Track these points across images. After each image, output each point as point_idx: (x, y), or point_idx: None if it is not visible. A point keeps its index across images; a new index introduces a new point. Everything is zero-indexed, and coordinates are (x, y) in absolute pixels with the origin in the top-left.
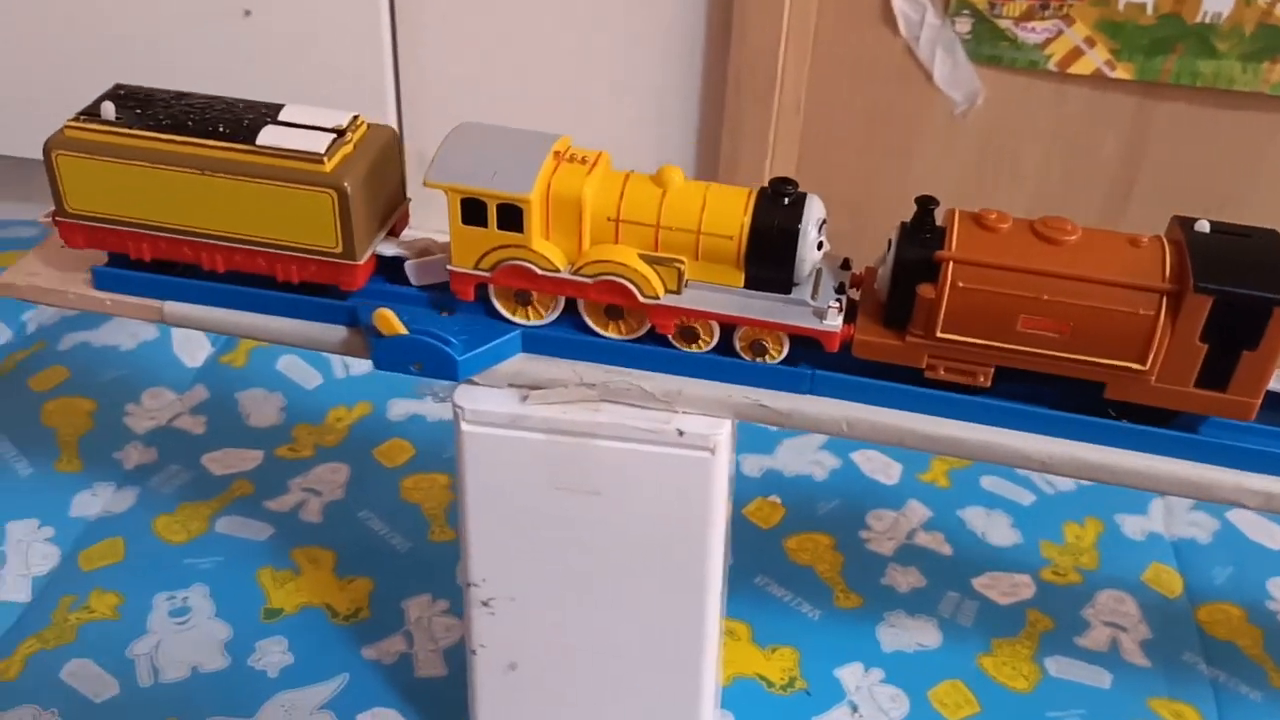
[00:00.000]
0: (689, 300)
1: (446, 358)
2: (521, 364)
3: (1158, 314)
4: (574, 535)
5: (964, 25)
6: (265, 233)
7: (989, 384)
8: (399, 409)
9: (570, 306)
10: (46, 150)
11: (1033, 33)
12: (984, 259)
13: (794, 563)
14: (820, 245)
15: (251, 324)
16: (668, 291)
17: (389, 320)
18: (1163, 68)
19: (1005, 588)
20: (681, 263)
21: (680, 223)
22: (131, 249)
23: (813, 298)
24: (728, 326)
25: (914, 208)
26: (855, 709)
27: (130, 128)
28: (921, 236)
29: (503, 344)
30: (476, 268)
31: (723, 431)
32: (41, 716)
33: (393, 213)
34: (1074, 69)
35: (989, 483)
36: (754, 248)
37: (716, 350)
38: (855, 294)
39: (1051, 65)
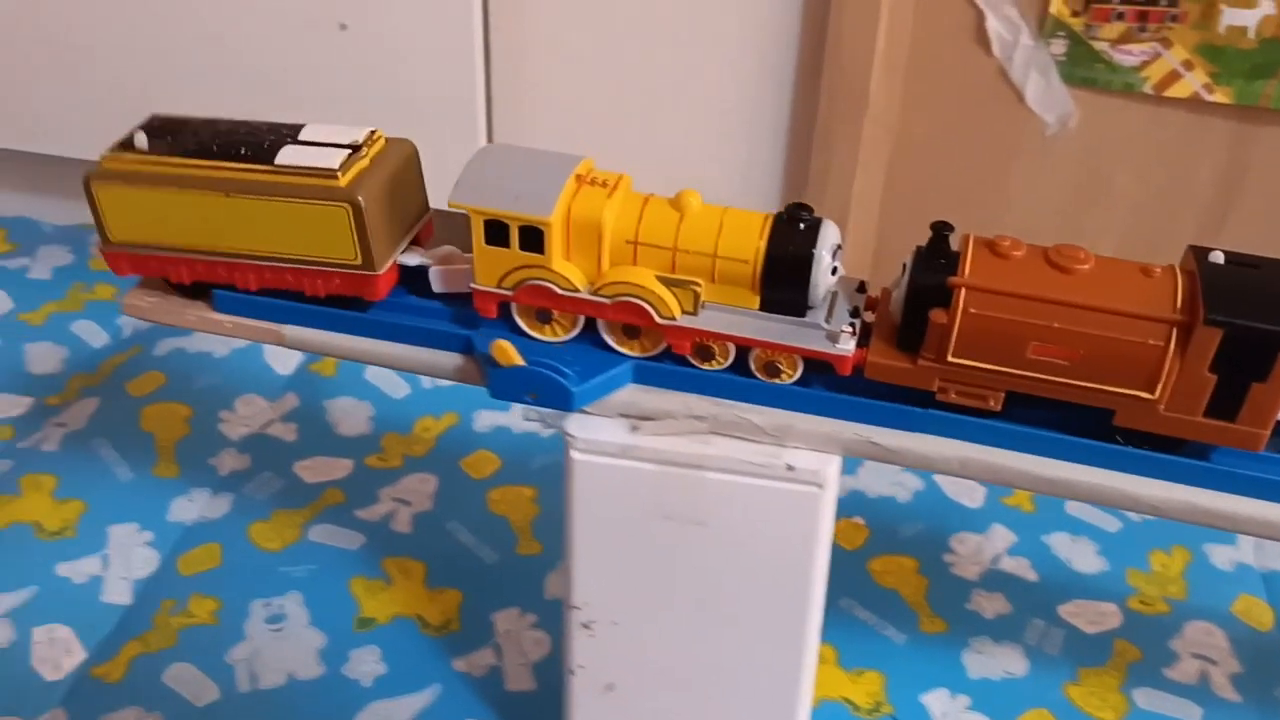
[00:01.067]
0: (704, 322)
1: (561, 389)
2: (632, 395)
3: (1167, 344)
4: (678, 563)
5: (1059, 47)
6: (290, 249)
7: (1000, 408)
8: (485, 420)
9: (590, 324)
10: (86, 183)
11: (1129, 55)
12: (996, 286)
13: (879, 585)
14: (835, 270)
15: (368, 349)
16: (684, 313)
17: (506, 351)
18: (1263, 92)
19: (1092, 616)
20: (698, 285)
21: (697, 246)
22: (172, 274)
23: (827, 321)
24: (743, 347)
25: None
26: None
27: (161, 155)
28: (936, 262)
29: (615, 375)
30: (499, 286)
31: (832, 467)
32: (145, 719)
33: (415, 224)
34: (1171, 92)
35: (1074, 508)
36: (769, 272)
37: (734, 369)
38: (870, 317)
39: (1148, 88)
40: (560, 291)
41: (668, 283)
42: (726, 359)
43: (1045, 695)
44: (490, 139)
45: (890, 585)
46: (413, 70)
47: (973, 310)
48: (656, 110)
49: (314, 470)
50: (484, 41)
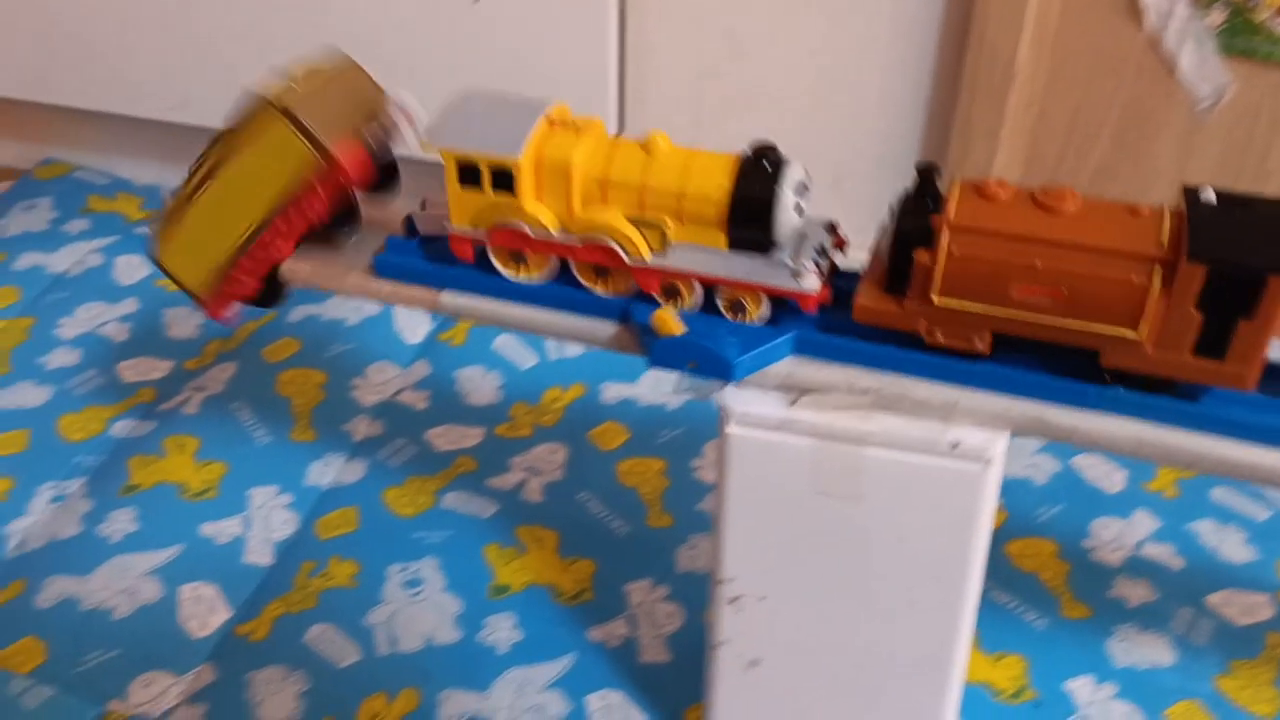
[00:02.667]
0: (672, 261)
1: (722, 360)
2: (792, 367)
3: (1151, 282)
4: (831, 540)
5: (1217, 17)
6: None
7: (988, 350)
8: (612, 392)
9: (565, 264)
10: None
11: None
12: (980, 226)
13: (1017, 568)
14: (800, 209)
15: (523, 316)
16: (653, 253)
17: (667, 321)
18: None
19: (1243, 607)
20: (666, 225)
21: (665, 186)
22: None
23: (793, 260)
24: (710, 286)
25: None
26: None
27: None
28: (922, 204)
29: (775, 347)
30: (474, 227)
31: (999, 445)
32: (290, 678)
33: (374, 115)
34: None
35: (1220, 495)
36: (735, 211)
37: (706, 309)
38: (840, 257)
39: None
40: (532, 233)
41: (636, 223)
42: (694, 298)
43: (1195, 686)
44: (621, 117)
45: (1030, 569)
46: (544, 47)
47: (956, 251)
48: (791, 85)
49: (445, 438)
50: (619, 16)
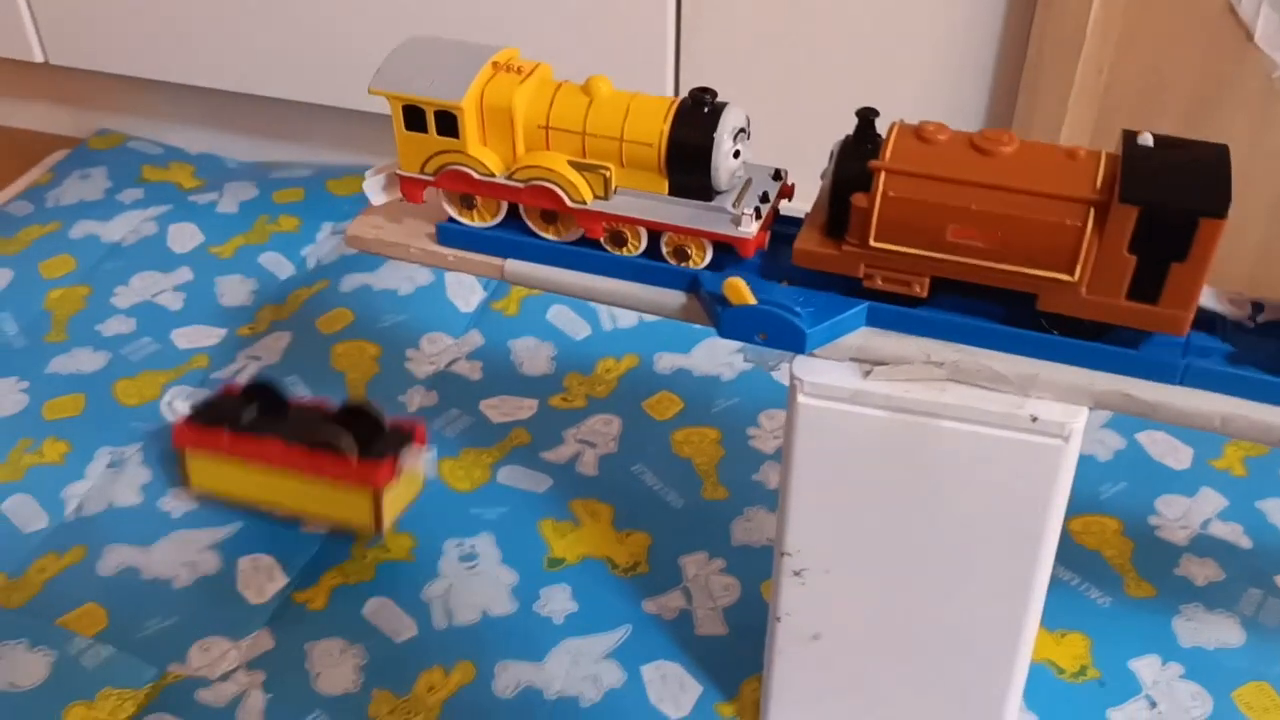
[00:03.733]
0: (615, 206)
1: (795, 329)
2: (865, 338)
3: (1084, 225)
4: (901, 514)
5: None
6: None
7: (925, 294)
8: (665, 362)
9: (515, 211)
10: None
11: None
12: (915, 169)
13: (1080, 545)
14: (737, 154)
15: (590, 285)
16: (596, 197)
17: (740, 290)
18: None
19: None
20: (607, 170)
21: (605, 130)
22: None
23: (735, 205)
24: (655, 232)
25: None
26: (1154, 704)
27: None
28: (861, 148)
29: (848, 318)
30: (422, 172)
31: (1079, 420)
32: (349, 651)
33: None
34: None
35: None
36: (672, 155)
37: (647, 255)
38: (785, 203)
39: None
40: (478, 176)
41: (579, 167)
42: (639, 244)
43: (1265, 668)
44: (678, 79)
45: (1093, 546)
46: (600, 10)
47: (892, 193)
48: (854, 51)
49: (500, 409)
50: None
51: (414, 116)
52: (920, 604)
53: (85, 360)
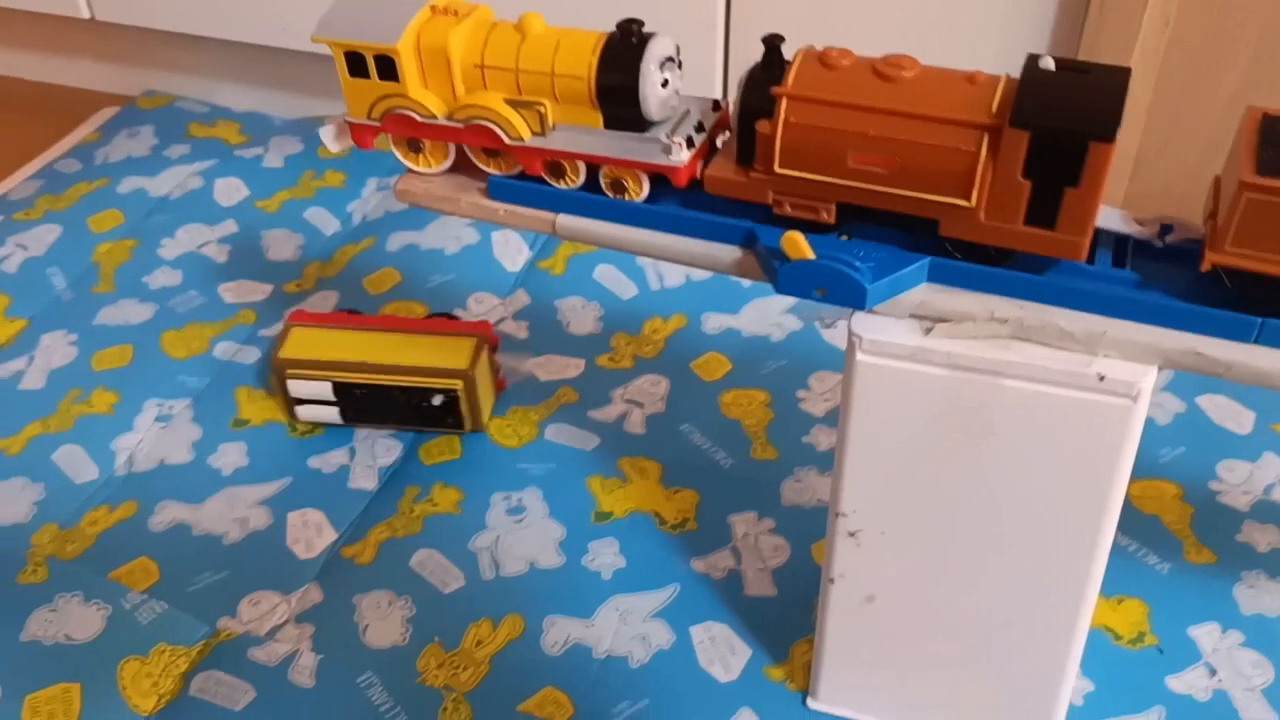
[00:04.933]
0: (552, 141)
1: (855, 285)
2: (926, 294)
3: (979, 149)
4: (960, 475)
5: None
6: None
7: (833, 220)
8: (713, 323)
9: (463, 154)
10: None
11: None
12: (816, 95)
13: (1138, 510)
14: (666, 83)
15: (643, 240)
16: (533, 133)
17: (798, 244)
18: None
19: None
20: (542, 105)
21: (536, 66)
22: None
23: (669, 136)
24: (593, 166)
25: None
26: (1213, 672)
27: None
28: (767, 75)
29: (909, 273)
30: (369, 118)
31: (1148, 379)
32: (395, 602)
33: None
34: None
35: None
36: (601, 88)
37: (587, 188)
38: (722, 135)
39: None
40: (420, 119)
41: (515, 104)
42: (578, 177)
43: None
44: (728, 24)
45: (1151, 511)
46: None
47: (793, 119)
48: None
49: (547, 368)
50: None
51: (355, 63)
52: (978, 567)
53: (132, 312)
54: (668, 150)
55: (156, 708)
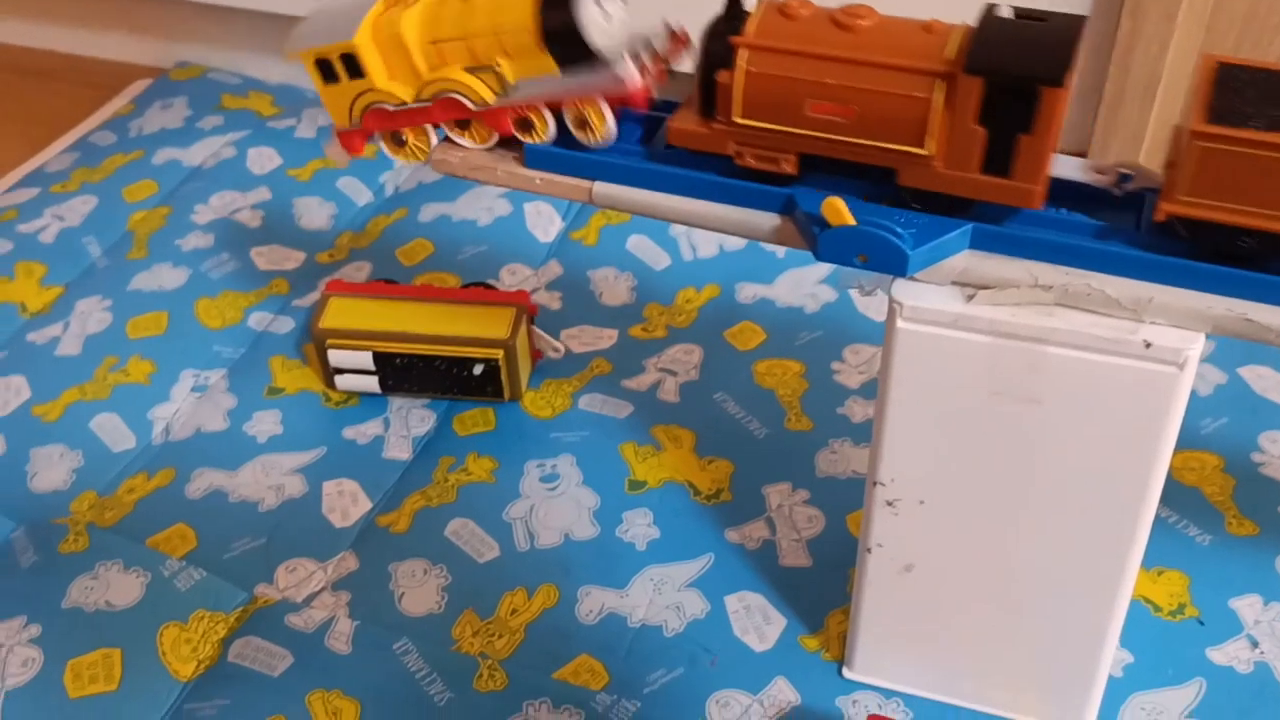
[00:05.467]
0: (515, 96)
1: (897, 251)
2: (969, 260)
3: (933, 97)
4: (1002, 443)
5: None
6: None
7: (795, 172)
8: (747, 292)
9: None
10: None
11: None
12: (774, 44)
13: (1178, 482)
14: (608, 15)
15: (679, 208)
16: (496, 94)
17: (839, 210)
18: None
19: None
20: (498, 64)
21: (483, 28)
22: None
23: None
24: (556, 111)
25: None
26: (1255, 644)
27: None
28: (728, 26)
29: (951, 239)
30: (351, 122)
31: (1195, 347)
32: (431, 571)
33: None
34: None
35: None
36: (544, 33)
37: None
38: (678, 59)
39: None
40: (393, 108)
41: (474, 70)
42: (547, 126)
43: None
44: None
45: (1191, 483)
46: None
47: (752, 69)
48: None
49: (580, 340)
50: None
51: (325, 69)
52: (1018, 537)
53: (166, 277)
54: (615, 71)
55: (196, 673)
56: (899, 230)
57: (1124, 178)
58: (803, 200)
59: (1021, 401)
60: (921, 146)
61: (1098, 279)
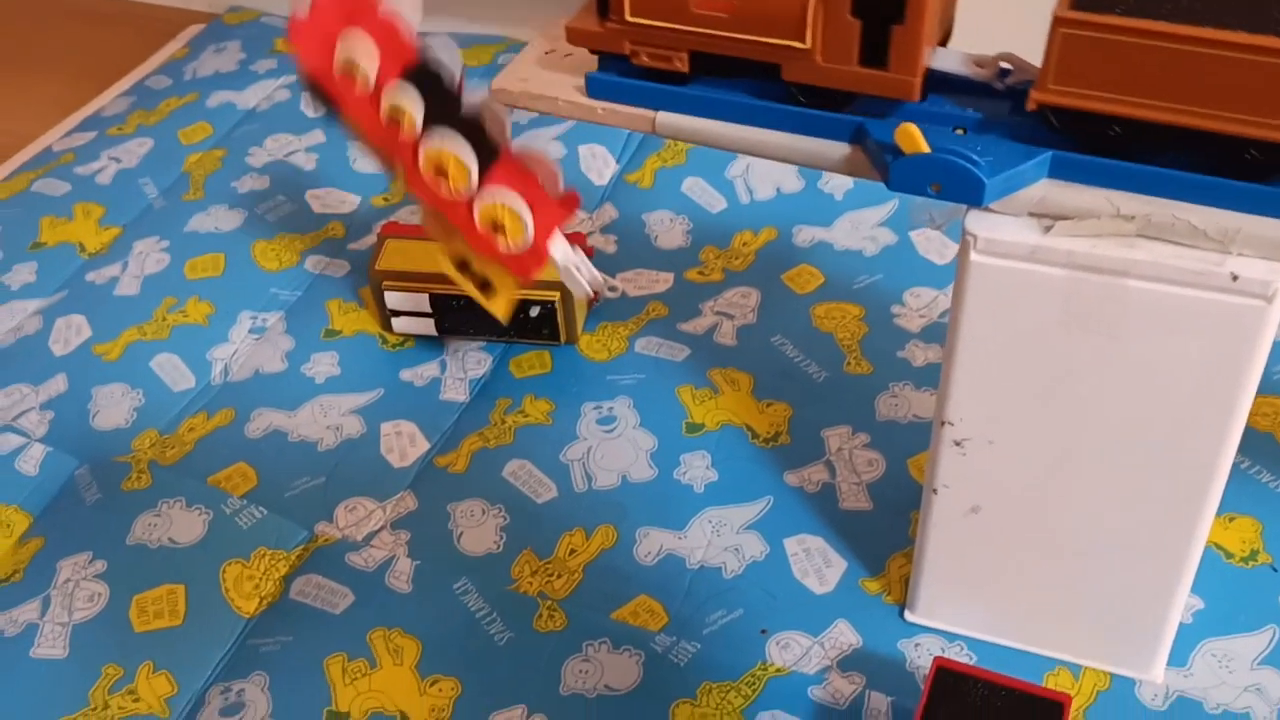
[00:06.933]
0: None
1: (973, 179)
2: (1047, 190)
3: None
4: (1077, 381)
5: None
6: None
7: (686, 69)
8: (804, 236)
9: None
10: None
11: None
12: None
13: (1251, 427)
14: None
15: (745, 137)
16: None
17: (914, 137)
18: None
19: None
20: None
21: None
22: None
23: None
24: None
25: None
26: None
27: None
28: None
29: (1029, 168)
30: None
31: None
32: (489, 511)
33: None
34: None
35: None
36: None
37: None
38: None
39: None
40: None
41: None
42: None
43: None
44: None
45: (1265, 428)
46: None
47: None
48: None
49: (635, 283)
50: None
51: None
52: (1090, 480)
53: (223, 218)
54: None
55: (258, 609)
56: (975, 158)
57: (1004, 72)
58: (874, 128)
59: (1098, 337)
60: (802, 40)
61: (1183, 208)
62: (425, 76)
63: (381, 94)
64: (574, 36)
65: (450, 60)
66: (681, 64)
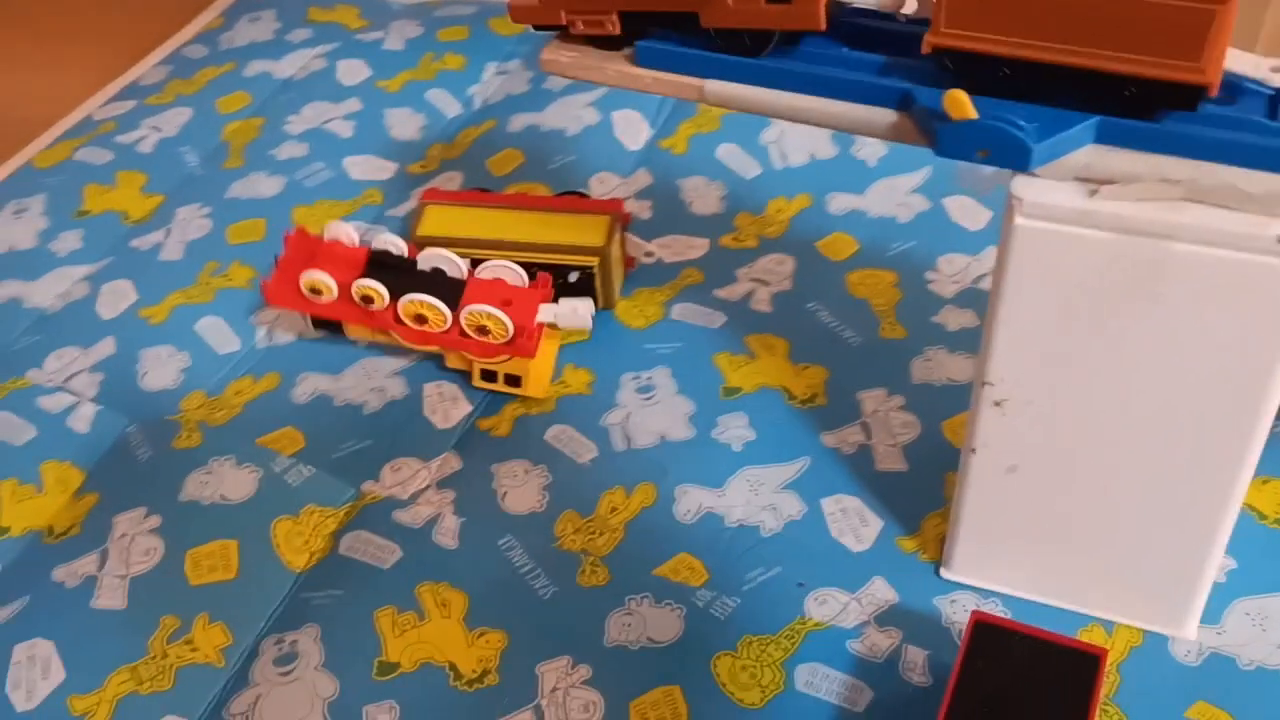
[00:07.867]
0: None
1: (1019, 145)
2: (1092, 155)
3: None
4: (1118, 343)
5: None
6: None
7: (619, 31)
8: (839, 202)
9: None
10: None
11: None
12: None
13: None
14: None
15: (794, 104)
16: None
17: (962, 104)
18: None
19: None
20: None
21: None
22: None
23: None
24: None
25: None
26: None
27: None
28: None
29: (1075, 133)
30: None
31: None
32: (532, 471)
33: None
34: None
35: None
36: None
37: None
38: None
39: None
40: None
41: None
42: None
43: None
44: None
45: None
46: None
47: None
48: None
49: (671, 249)
50: None
51: None
52: (1128, 441)
53: (263, 185)
54: None
55: (309, 564)
56: (1022, 124)
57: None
58: (921, 95)
59: (1141, 300)
60: None
61: (1229, 172)
62: (378, 263)
63: (350, 291)
64: (517, 14)
65: (396, 244)
66: (614, 27)
